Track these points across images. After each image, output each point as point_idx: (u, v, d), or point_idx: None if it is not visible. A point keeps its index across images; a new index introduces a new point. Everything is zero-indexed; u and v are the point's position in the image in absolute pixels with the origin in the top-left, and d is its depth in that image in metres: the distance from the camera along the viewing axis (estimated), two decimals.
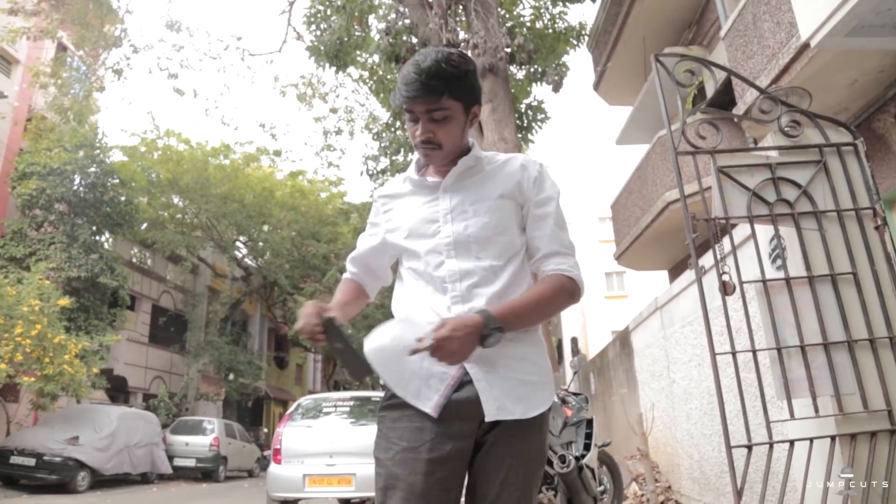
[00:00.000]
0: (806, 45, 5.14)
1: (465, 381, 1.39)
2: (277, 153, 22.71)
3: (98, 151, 16.65)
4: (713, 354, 2.60)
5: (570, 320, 30.64)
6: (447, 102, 1.41)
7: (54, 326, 12.16)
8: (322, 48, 11.92)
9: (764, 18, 5.98)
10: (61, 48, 15.95)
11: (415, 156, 1.64)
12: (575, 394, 4.66)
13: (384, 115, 14.94)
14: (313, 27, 12.61)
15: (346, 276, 1.69)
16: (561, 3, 12.76)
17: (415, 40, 11.08)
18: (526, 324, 1.42)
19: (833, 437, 2.43)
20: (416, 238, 1.51)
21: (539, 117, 13.46)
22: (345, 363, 1.39)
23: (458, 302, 1.42)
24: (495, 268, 1.45)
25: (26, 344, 11.18)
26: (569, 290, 1.44)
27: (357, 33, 12.35)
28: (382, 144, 13.22)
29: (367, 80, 13.99)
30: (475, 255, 1.44)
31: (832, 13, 4.61)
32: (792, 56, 5.40)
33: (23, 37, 12.36)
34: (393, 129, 13.72)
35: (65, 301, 12.64)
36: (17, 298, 11.43)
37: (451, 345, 1.26)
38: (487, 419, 1.36)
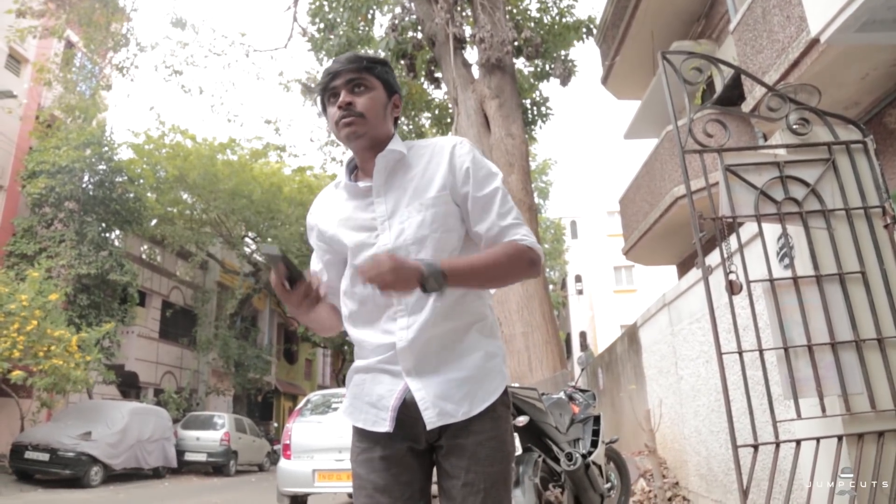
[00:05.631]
0: (816, 40, 5.10)
1: (409, 390, 1.41)
2: (283, 148, 22.80)
3: (106, 149, 16.76)
4: (719, 353, 2.59)
5: (579, 315, 30.62)
6: (368, 77, 1.45)
7: (55, 322, 12.20)
8: (331, 48, 11.91)
9: (773, 12, 5.92)
10: (69, 45, 16.03)
11: (345, 159, 1.60)
12: (582, 390, 4.66)
13: None
14: (318, 20, 12.63)
15: None
16: None
17: (420, 36, 11.06)
18: (473, 281, 1.35)
19: (840, 437, 2.42)
20: (358, 249, 1.45)
21: (543, 111, 13.41)
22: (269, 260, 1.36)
23: (403, 315, 1.40)
24: None
25: (20, 340, 11.25)
26: (528, 259, 1.39)
27: (362, 28, 12.35)
28: None
29: None
30: (414, 258, 1.36)
31: (842, 8, 4.56)
32: (802, 51, 5.34)
33: (30, 36, 12.44)
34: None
35: (55, 295, 12.51)
36: (10, 296, 11.47)
37: (381, 267, 1.22)
38: (429, 427, 1.37)
